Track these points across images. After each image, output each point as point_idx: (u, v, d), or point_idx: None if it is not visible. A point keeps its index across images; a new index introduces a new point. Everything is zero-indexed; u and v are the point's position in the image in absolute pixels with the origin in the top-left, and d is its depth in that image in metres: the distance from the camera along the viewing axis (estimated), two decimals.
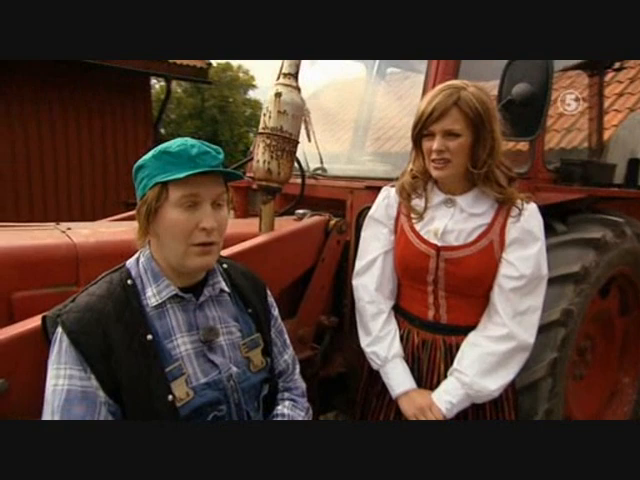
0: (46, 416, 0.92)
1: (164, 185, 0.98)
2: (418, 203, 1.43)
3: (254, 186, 2.00)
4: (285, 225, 1.83)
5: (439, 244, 1.37)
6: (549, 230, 2.28)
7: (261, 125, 1.81)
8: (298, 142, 1.87)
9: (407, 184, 1.43)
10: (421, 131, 1.32)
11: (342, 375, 2.00)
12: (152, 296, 1.03)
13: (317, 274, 1.82)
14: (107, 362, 0.94)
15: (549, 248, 2.20)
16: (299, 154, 2.17)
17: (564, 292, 2.04)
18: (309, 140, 2.36)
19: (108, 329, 0.95)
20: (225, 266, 1.20)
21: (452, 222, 1.37)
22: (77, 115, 6.23)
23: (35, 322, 1.08)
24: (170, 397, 0.97)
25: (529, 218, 1.33)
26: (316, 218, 1.88)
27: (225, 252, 1.51)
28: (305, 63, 2.61)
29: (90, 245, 1.45)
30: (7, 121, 5.68)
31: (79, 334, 0.93)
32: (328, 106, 3.10)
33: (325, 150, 2.45)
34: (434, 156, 1.30)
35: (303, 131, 2.22)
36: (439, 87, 1.31)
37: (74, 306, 0.98)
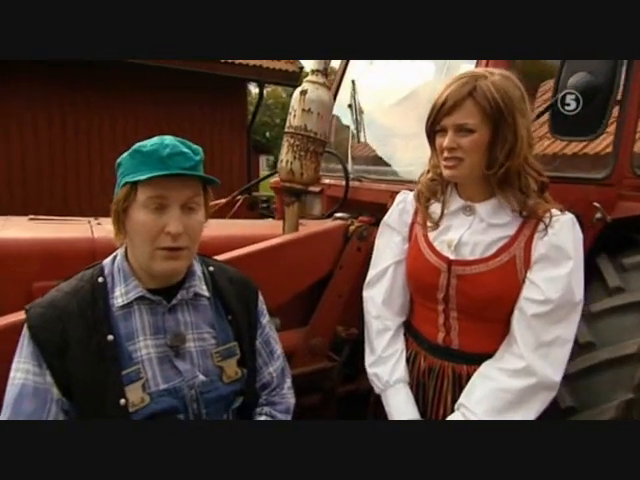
0: (3, 408, 0.93)
1: (133, 185, 0.96)
2: (436, 210, 1.25)
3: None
4: (309, 228, 1.74)
5: (451, 257, 1.19)
6: (634, 247, 1.94)
7: (287, 124, 1.74)
8: (325, 142, 1.76)
9: (425, 187, 1.26)
10: (433, 125, 1.15)
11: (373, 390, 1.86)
12: (119, 296, 1.00)
13: (334, 282, 1.70)
14: (63, 359, 0.93)
15: (630, 268, 1.88)
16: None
17: None
18: (358, 141, 2.25)
19: (68, 326, 0.94)
20: (211, 269, 1.15)
21: (469, 233, 1.18)
22: (181, 120, 6.72)
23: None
24: (123, 401, 0.93)
25: (560, 232, 1.10)
26: (336, 222, 1.75)
27: (233, 253, 1.47)
28: (363, 65, 2.51)
29: (108, 240, 1.48)
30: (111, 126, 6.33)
31: (39, 329, 0.94)
32: (395, 109, 2.96)
33: (389, 153, 2.32)
34: (445, 154, 1.13)
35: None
36: (457, 75, 1.13)
37: (41, 301, 0.99)
